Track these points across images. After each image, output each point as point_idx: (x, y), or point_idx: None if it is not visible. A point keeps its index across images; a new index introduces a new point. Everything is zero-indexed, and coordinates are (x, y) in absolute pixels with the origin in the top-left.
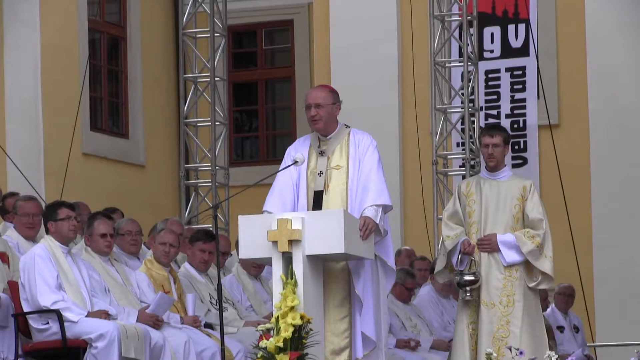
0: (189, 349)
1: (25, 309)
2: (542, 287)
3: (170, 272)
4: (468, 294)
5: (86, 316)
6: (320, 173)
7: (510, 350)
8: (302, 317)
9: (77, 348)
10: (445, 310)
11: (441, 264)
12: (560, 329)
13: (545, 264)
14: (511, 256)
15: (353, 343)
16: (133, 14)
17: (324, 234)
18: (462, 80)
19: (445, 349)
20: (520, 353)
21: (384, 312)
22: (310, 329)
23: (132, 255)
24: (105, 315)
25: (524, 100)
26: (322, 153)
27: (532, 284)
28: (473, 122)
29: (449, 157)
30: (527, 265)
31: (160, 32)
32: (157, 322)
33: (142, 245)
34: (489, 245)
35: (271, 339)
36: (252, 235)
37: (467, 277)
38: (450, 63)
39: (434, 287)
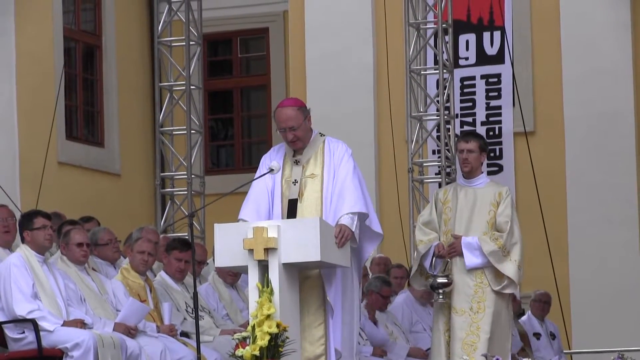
0: (165, 358)
1: (1, 318)
2: (507, 291)
3: (146, 281)
4: (441, 297)
5: (62, 325)
6: (295, 182)
7: (486, 357)
8: (278, 325)
9: (53, 357)
10: (421, 318)
11: (414, 269)
12: (537, 335)
13: (508, 267)
14: (472, 259)
15: (328, 350)
16: (108, 22)
17: (300, 242)
18: (437, 88)
19: (421, 356)
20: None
21: (356, 322)
22: (287, 337)
23: (110, 264)
24: (81, 324)
25: (499, 107)
26: (297, 162)
27: (497, 288)
28: (449, 129)
29: (424, 164)
30: (494, 269)
31: (135, 41)
32: (131, 332)
33: None
34: (454, 249)
35: (247, 348)
36: (228, 244)
37: (440, 280)
38: (426, 70)
39: (411, 294)
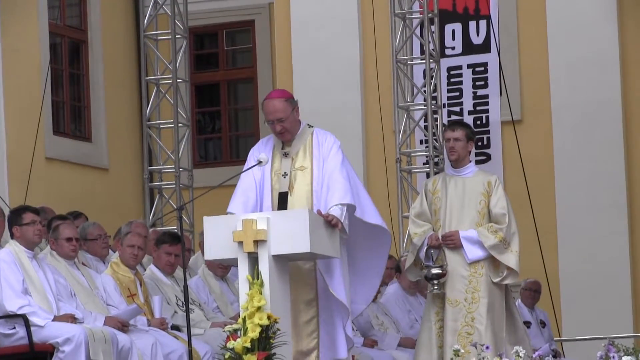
0: (156, 351)
1: None
2: (507, 282)
3: (136, 275)
4: (436, 287)
5: (53, 320)
6: (285, 174)
7: (476, 347)
8: (269, 317)
9: (44, 352)
10: (412, 308)
11: (410, 261)
12: (527, 324)
13: (510, 258)
14: (474, 252)
15: (321, 344)
16: (93, 17)
17: (290, 234)
18: (424, 78)
19: (412, 346)
20: (487, 348)
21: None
22: (278, 329)
23: (99, 258)
24: (71, 319)
25: (486, 96)
26: (286, 154)
27: (497, 279)
28: (436, 119)
29: (412, 154)
30: (492, 261)
31: (121, 35)
32: (123, 327)
33: None
34: (452, 241)
35: (238, 340)
36: (217, 236)
37: (435, 270)
38: (412, 61)
39: (400, 285)
